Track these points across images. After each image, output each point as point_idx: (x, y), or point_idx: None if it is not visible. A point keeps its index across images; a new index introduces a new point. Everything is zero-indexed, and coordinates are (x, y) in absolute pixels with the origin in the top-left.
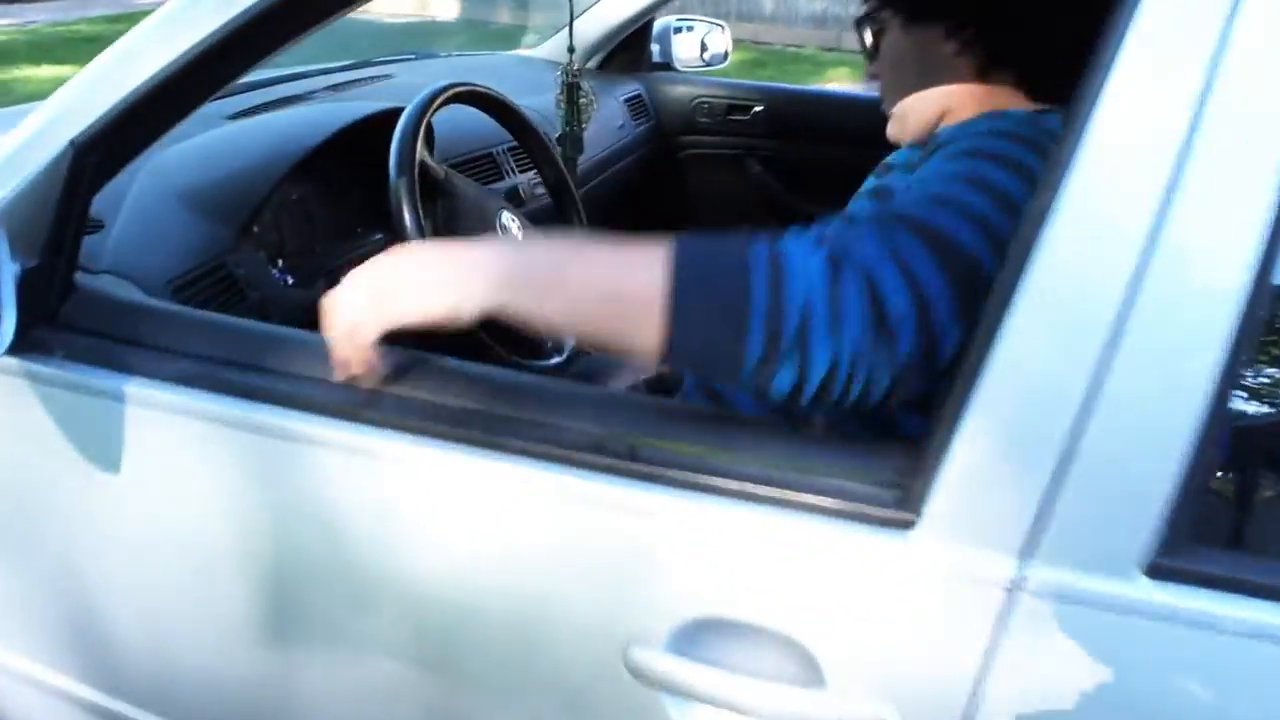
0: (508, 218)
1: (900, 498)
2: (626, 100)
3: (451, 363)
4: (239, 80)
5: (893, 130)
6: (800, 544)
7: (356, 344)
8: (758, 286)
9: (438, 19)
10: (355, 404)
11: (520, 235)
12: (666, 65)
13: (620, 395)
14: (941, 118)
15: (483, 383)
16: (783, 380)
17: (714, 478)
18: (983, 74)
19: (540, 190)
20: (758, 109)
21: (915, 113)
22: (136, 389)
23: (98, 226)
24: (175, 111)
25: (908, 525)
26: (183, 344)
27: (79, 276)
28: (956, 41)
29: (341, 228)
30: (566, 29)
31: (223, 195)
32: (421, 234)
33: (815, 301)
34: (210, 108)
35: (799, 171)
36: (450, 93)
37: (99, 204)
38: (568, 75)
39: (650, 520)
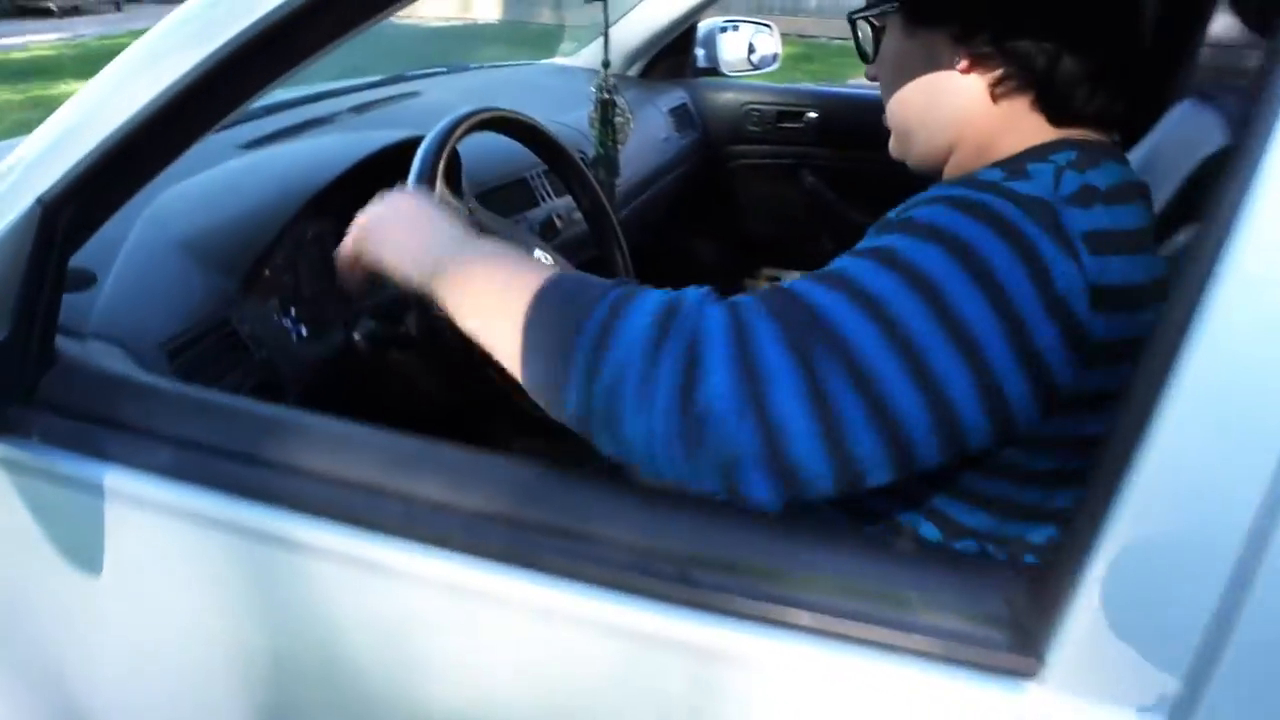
0: (539, 256)
1: (1017, 639)
2: (671, 110)
3: (467, 455)
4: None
5: (895, 148)
6: (890, 695)
7: (356, 267)
8: (584, 336)
9: (479, 20)
10: (361, 508)
11: None
12: (713, 70)
13: (669, 497)
14: (951, 148)
15: (504, 481)
16: (602, 444)
17: (785, 609)
18: (997, 92)
19: (578, 215)
20: (811, 115)
21: (921, 139)
22: (118, 480)
23: (89, 281)
24: (158, 158)
25: (1026, 674)
26: (169, 426)
27: (62, 343)
28: (966, 52)
29: None
30: (613, 29)
31: (226, 242)
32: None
33: (629, 365)
34: (222, 136)
35: (857, 182)
36: (470, 122)
37: (91, 255)
38: (601, 91)
39: (705, 661)
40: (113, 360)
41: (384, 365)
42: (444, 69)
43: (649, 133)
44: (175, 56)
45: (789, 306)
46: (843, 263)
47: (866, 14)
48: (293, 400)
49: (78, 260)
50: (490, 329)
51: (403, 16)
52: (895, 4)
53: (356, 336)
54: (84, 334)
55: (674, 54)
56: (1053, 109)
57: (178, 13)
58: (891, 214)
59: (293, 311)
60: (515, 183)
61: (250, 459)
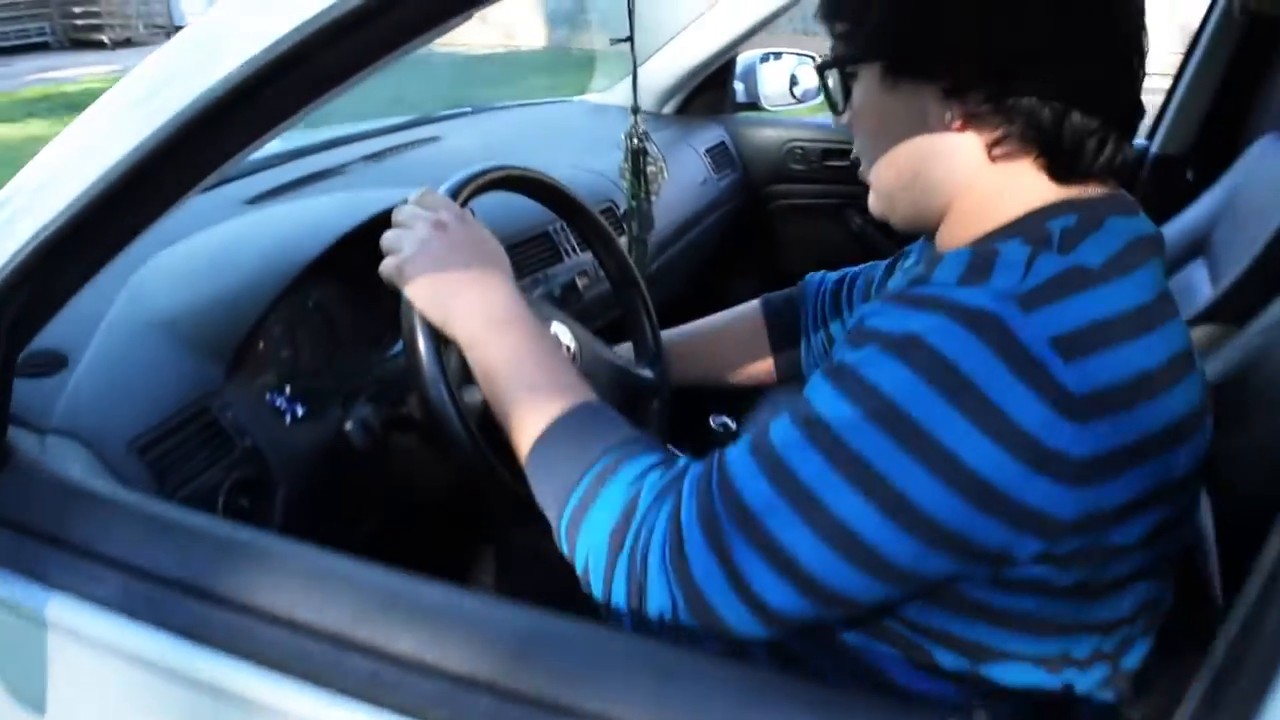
0: (556, 331)
1: None
2: (708, 150)
3: (451, 599)
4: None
5: (877, 207)
6: None
7: (394, 277)
8: (567, 504)
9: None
10: (323, 664)
11: (569, 351)
12: (753, 105)
13: (691, 660)
14: (943, 213)
15: (493, 635)
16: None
17: None
18: (995, 153)
19: None
20: None
21: (907, 202)
22: (61, 611)
23: (58, 364)
24: (117, 236)
25: None
26: (120, 549)
27: (17, 439)
28: (960, 108)
29: (363, 336)
30: (647, 64)
31: (209, 321)
32: (441, 371)
33: (594, 561)
34: (227, 191)
35: None
36: (475, 184)
37: (64, 334)
38: (631, 140)
39: None
40: (72, 461)
41: (383, 450)
42: (469, 109)
43: (685, 176)
44: (132, 121)
45: (718, 493)
46: (780, 416)
47: (840, 67)
48: (282, 494)
49: (50, 339)
50: (505, 423)
51: (444, 44)
52: (876, 58)
53: (349, 426)
54: (44, 428)
55: (712, 88)
56: (1059, 168)
57: (135, 71)
58: (852, 319)
59: (288, 389)
60: (536, 237)
61: (204, 594)
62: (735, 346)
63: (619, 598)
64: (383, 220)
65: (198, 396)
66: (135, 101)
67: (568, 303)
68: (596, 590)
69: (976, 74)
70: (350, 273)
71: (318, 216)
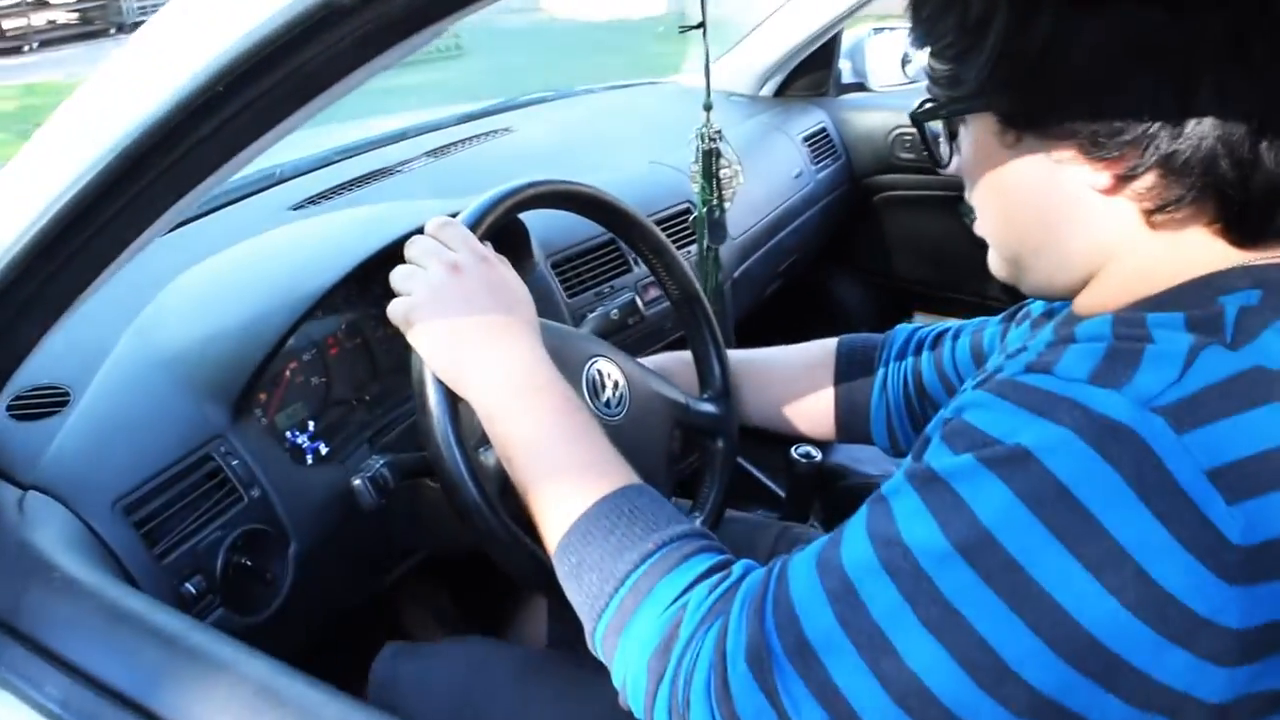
0: (601, 370)
1: None
2: (807, 139)
3: None
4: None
5: (998, 270)
6: None
7: (402, 324)
8: (601, 620)
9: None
10: None
11: (615, 390)
12: (860, 85)
13: None
14: (1085, 282)
15: None
16: None
17: None
18: (1157, 219)
19: None
20: None
21: (1040, 271)
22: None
23: (59, 404)
24: (67, 287)
25: None
26: (70, 645)
27: None
28: (1104, 166)
29: (403, 363)
30: (744, 42)
31: (215, 357)
32: (455, 431)
33: (634, 684)
34: (273, 196)
35: None
36: (498, 211)
37: (71, 367)
38: (703, 140)
39: None
40: (46, 524)
41: (406, 496)
42: (551, 94)
43: (778, 168)
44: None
45: (772, 619)
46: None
47: (939, 116)
48: (294, 550)
49: (57, 372)
50: (529, 509)
51: (563, 13)
52: (989, 107)
53: (356, 483)
54: (25, 483)
55: (815, 68)
56: (1242, 231)
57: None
58: (953, 401)
59: (311, 426)
60: (605, 243)
61: (146, 715)
62: (792, 383)
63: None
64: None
65: (199, 443)
66: (79, 128)
67: (628, 325)
68: (637, 713)
69: (1124, 126)
70: (383, 292)
71: (352, 231)
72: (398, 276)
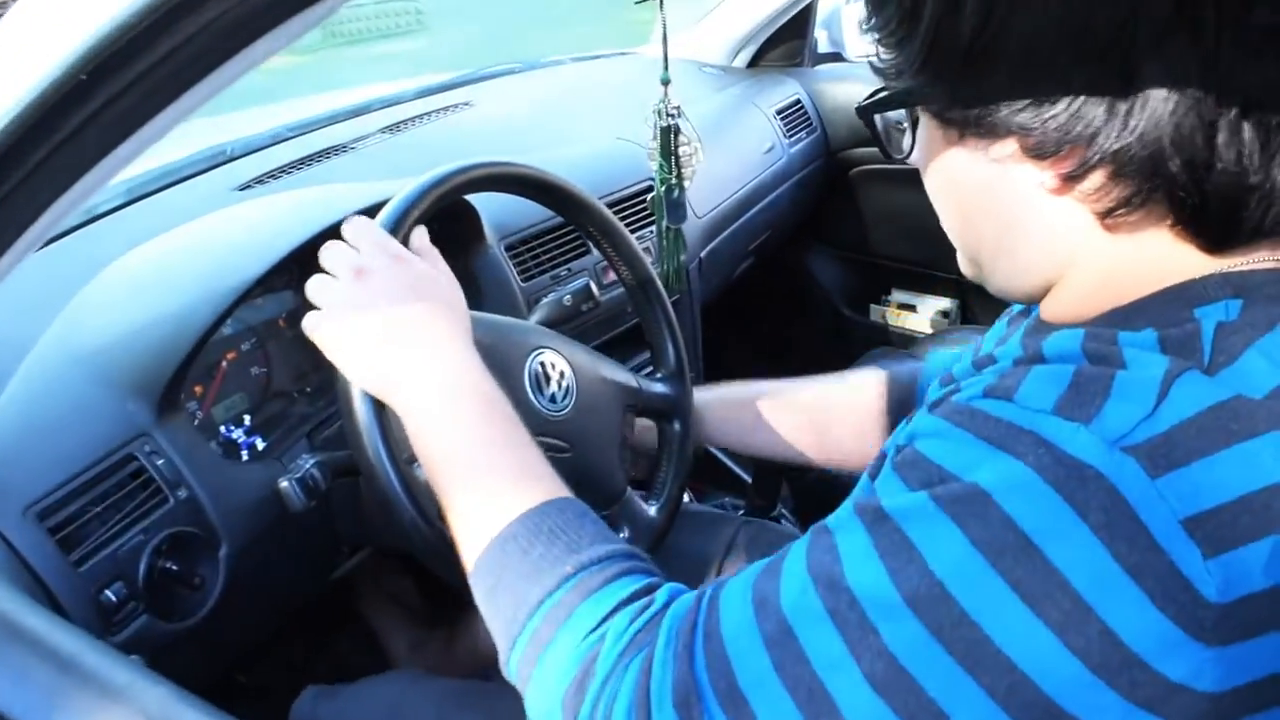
0: (545, 361)
1: None
2: (779, 111)
3: None
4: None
5: (965, 269)
6: None
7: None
8: (517, 643)
9: None
10: None
11: (561, 381)
12: (836, 56)
13: None
14: (1047, 286)
15: None
16: None
17: None
18: (1110, 222)
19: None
20: None
21: (1000, 273)
22: None
23: None
24: None
25: None
26: None
27: None
28: (1048, 165)
29: None
30: (716, 11)
31: (138, 350)
32: (384, 440)
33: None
34: (219, 175)
35: None
36: (425, 203)
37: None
38: (661, 116)
39: None
40: None
41: (348, 491)
42: (517, 66)
43: (747, 143)
44: None
45: (701, 655)
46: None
47: (880, 111)
48: (225, 553)
49: None
50: (449, 518)
51: None
52: (924, 101)
53: (284, 484)
54: None
55: (789, 38)
56: (1206, 237)
57: None
58: (903, 434)
59: (248, 419)
60: (560, 225)
61: None
62: (841, 421)
63: None
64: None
65: (121, 443)
66: None
67: (581, 312)
68: None
69: (1065, 121)
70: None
71: (294, 213)
72: (311, 288)
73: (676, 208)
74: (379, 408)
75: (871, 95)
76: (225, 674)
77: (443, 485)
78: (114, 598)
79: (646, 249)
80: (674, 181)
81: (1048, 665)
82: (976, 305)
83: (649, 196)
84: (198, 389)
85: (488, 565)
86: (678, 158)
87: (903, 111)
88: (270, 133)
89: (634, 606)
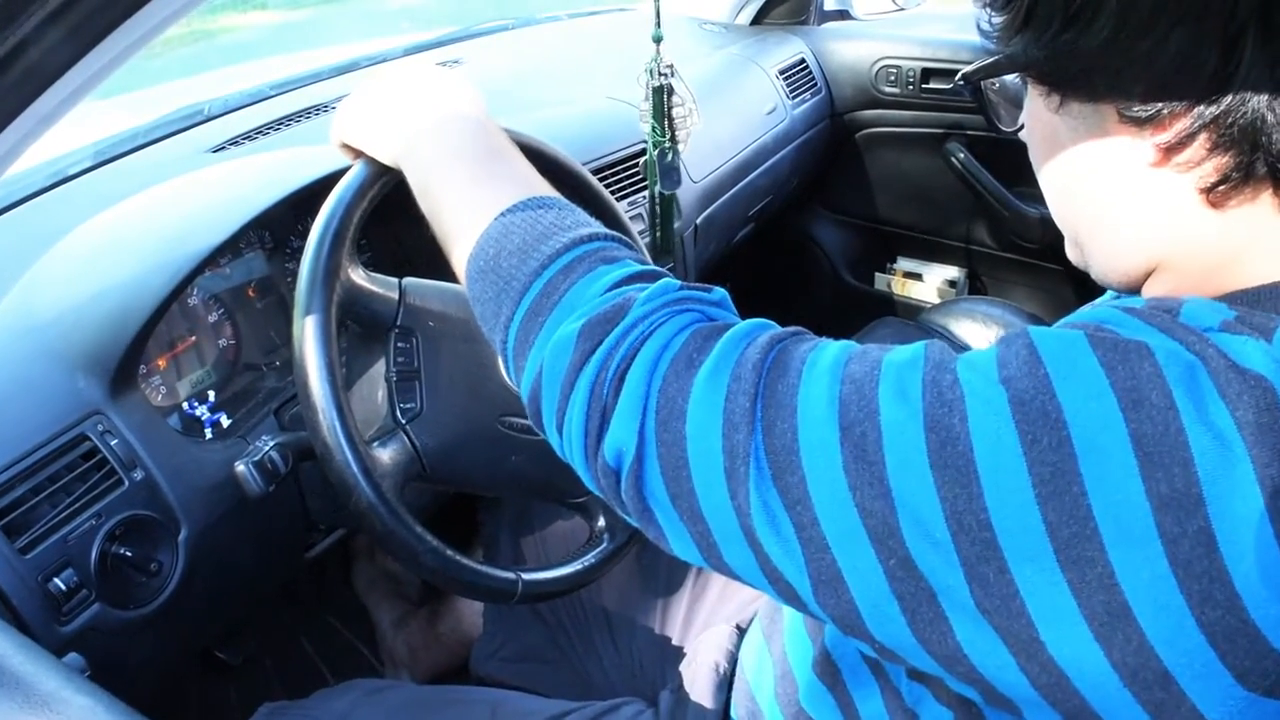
0: None
1: None
2: (782, 72)
3: None
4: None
5: (1072, 254)
6: None
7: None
8: (521, 305)
9: None
10: None
11: None
12: (843, 13)
13: None
14: (1149, 271)
15: None
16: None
17: None
18: (1215, 195)
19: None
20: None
21: (1100, 253)
22: None
23: None
24: None
25: None
26: None
27: None
28: (1148, 134)
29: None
30: None
31: (90, 323)
32: (344, 425)
33: (551, 372)
34: (194, 137)
35: (1020, 158)
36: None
37: None
38: (653, 75)
39: None
40: None
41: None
42: (511, 22)
43: (748, 104)
44: None
45: (765, 378)
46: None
47: (981, 76)
48: (185, 537)
49: None
50: (444, 243)
51: None
52: (1023, 68)
53: (240, 468)
54: None
55: None
56: None
57: None
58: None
59: (212, 395)
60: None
61: None
62: None
63: (575, 427)
64: (331, 182)
65: (72, 422)
66: None
67: None
68: (546, 417)
69: (1167, 84)
70: (291, 243)
71: (265, 176)
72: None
73: (670, 172)
74: (336, 383)
75: (979, 61)
76: (204, 652)
77: (437, 203)
78: (63, 586)
79: (639, 214)
80: (667, 145)
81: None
82: (985, 275)
83: (641, 160)
84: (161, 362)
85: (490, 238)
86: (671, 120)
87: (1011, 82)
88: (251, 92)
89: (678, 282)
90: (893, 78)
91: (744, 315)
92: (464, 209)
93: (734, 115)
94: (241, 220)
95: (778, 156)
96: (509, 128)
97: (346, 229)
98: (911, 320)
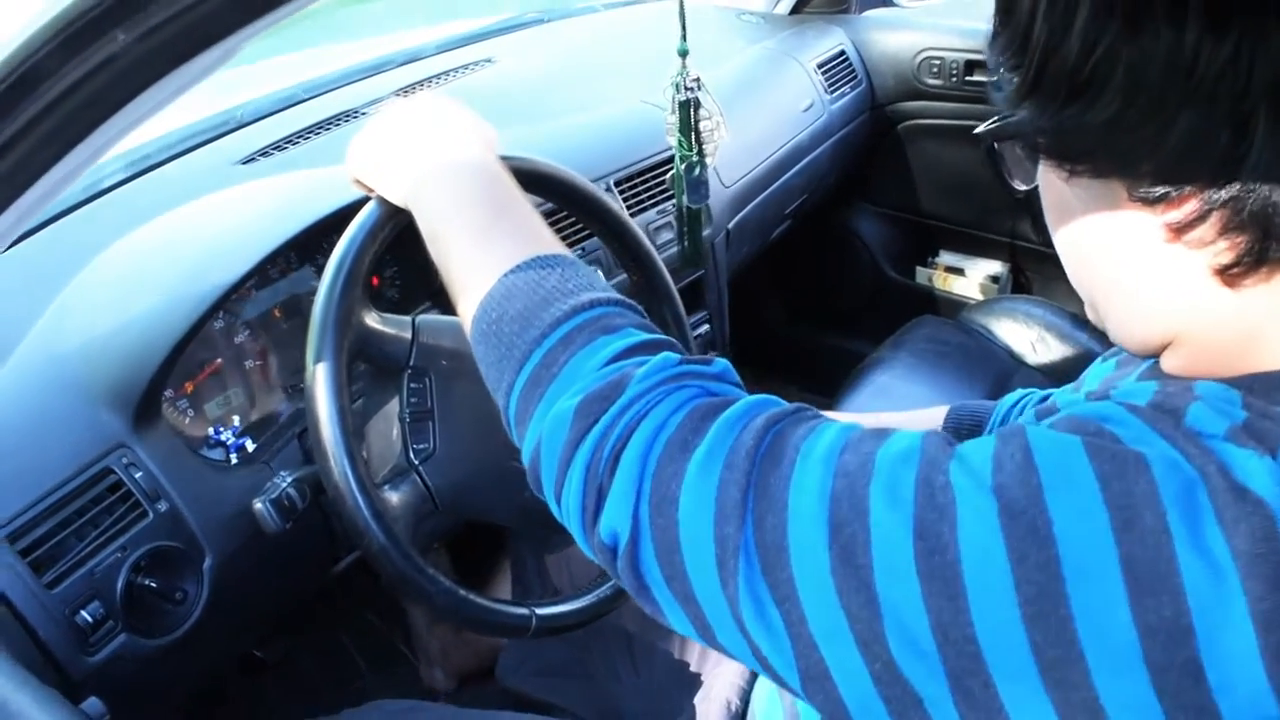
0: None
1: None
2: (821, 65)
3: None
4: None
5: (1090, 314)
6: None
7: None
8: (523, 372)
9: None
10: None
11: None
12: (886, 1)
13: None
14: (1165, 344)
15: None
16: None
17: None
18: (1231, 275)
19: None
20: None
21: (1115, 320)
22: None
23: None
24: None
25: None
26: None
27: None
28: (1159, 211)
29: None
30: None
31: (114, 355)
32: (352, 462)
33: (550, 446)
34: (225, 146)
35: None
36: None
37: None
38: (679, 90)
39: None
40: None
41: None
42: (546, 14)
43: (783, 103)
44: None
45: (760, 462)
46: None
47: (990, 139)
48: (209, 565)
49: None
50: (451, 291)
51: None
52: (1030, 139)
53: (258, 506)
54: None
55: None
56: None
57: None
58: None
59: (237, 420)
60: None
61: None
62: None
63: (571, 504)
64: (354, 210)
65: (96, 456)
66: None
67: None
68: (546, 489)
69: (1175, 165)
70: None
71: (294, 196)
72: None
73: (698, 186)
74: (347, 426)
75: (991, 121)
76: (244, 652)
77: (445, 252)
78: (90, 618)
79: (669, 223)
80: (695, 159)
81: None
82: (1029, 270)
83: (671, 170)
84: (188, 386)
85: (492, 300)
86: (698, 133)
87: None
88: (282, 95)
89: (677, 356)
90: (936, 69)
91: (784, 311)
92: (469, 267)
93: (769, 115)
94: (263, 252)
95: (815, 153)
96: (527, 149)
97: (358, 272)
98: (951, 319)
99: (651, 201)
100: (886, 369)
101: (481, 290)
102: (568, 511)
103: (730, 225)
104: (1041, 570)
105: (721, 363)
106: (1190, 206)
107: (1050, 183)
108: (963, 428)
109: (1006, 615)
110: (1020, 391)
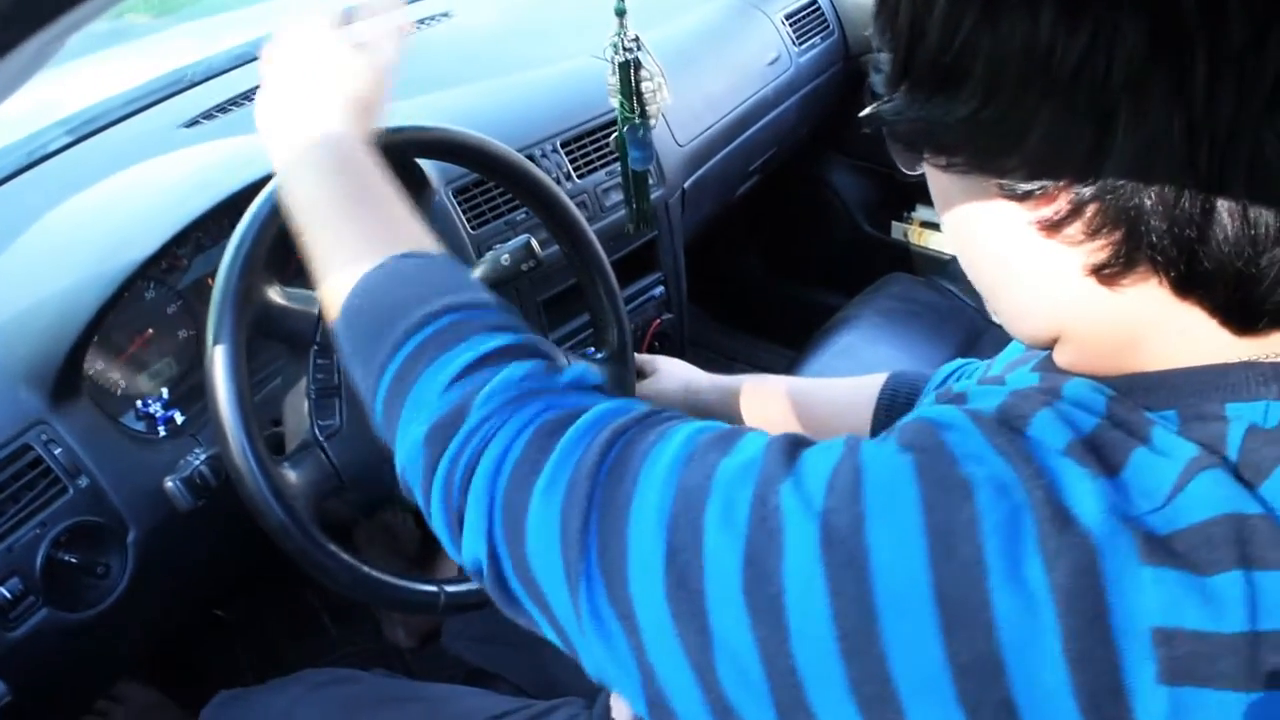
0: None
1: None
2: (790, 16)
3: None
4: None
5: (987, 307)
6: None
7: None
8: (384, 379)
9: None
10: None
11: None
12: None
13: None
14: (1054, 340)
15: None
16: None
17: None
18: (1106, 274)
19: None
20: None
21: (1006, 314)
22: None
23: None
24: None
25: None
26: None
27: None
28: (1028, 207)
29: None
30: None
31: (29, 331)
32: (248, 434)
33: (408, 474)
34: (165, 112)
35: None
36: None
37: None
38: (619, 51)
39: None
40: None
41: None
42: None
43: (745, 57)
44: None
45: (605, 477)
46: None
47: (868, 123)
48: (134, 538)
49: None
50: (317, 280)
51: None
52: (904, 120)
53: (169, 484)
54: None
55: None
56: (1222, 314)
57: None
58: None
59: (165, 392)
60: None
61: None
62: (831, 419)
63: (438, 528)
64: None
65: (14, 433)
66: None
67: (522, 272)
68: (421, 505)
69: (1041, 159)
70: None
71: (227, 162)
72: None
73: (642, 148)
74: (246, 405)
75: (867, 114)
76: (205, 611)
77: (311, 242)
78: (8, 594)
79: (619, 184)
80: (637, 121)
81: (926, 673)
82: None
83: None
84: (117, 358)
85: (350, 311)
86: (640, 95)
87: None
88: (232, 54)
89: (531, 364)
90: None
91: (759, 265)
92: (326, 270)
93: (730, 69)
94: (185, 221)
95: (782, 107)
96: (478, 108)
97: (260, 248)
98: (925, 276)
99: (601, 162)
100: (853, 328)
101: (338, 300)
102: (438, 533)
103: (686, 185)
104: (857, 604)
105: (576, 369)
106: (1059, 204)
107: (932, 172)
108: (899, 398)
109: (824, 649)
110: (959, 361)
